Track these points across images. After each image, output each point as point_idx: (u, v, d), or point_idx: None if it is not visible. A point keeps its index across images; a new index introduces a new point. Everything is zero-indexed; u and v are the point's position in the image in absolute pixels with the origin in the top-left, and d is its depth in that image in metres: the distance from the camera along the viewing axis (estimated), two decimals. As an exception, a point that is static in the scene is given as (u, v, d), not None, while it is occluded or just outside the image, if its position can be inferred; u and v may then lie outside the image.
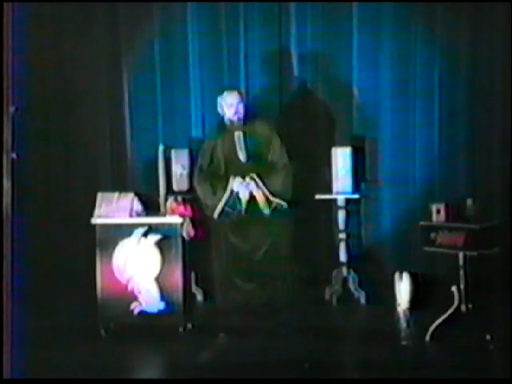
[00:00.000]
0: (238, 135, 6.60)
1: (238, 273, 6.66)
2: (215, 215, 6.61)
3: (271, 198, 6.52)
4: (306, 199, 6.94)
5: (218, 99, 6.77)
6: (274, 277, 6.63)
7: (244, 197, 6.56)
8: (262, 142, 6.69)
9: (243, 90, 7.00)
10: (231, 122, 6.75)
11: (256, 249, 6.64)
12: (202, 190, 6.69)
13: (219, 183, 6.62)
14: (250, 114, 6.72)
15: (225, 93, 6.74)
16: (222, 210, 6.59)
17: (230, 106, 6.65)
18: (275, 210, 6.57)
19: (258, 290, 6.60)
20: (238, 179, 6.56)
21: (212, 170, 6.76)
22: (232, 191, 6.55)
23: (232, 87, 6.92)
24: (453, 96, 7.24)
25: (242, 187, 6.55)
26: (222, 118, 6.88)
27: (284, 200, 6.54)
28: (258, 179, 6.53)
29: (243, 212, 6.57)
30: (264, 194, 6.51)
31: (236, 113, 6.63)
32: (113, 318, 6.11)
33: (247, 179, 6.54)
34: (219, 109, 6.79)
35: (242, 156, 6.68)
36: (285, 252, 6.66)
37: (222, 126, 6.89)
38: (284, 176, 6.61)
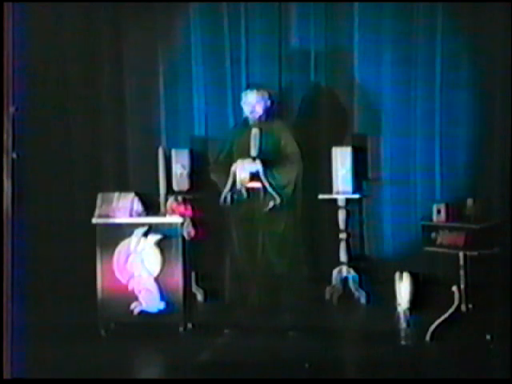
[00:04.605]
0: (255, 132, 6.54)
1: (244, 270, 6.64)
2: (220, 201, 6.56)
3: (268, 187, 6.43)
4: (307, 199, 6.94)
5: (242, 95, 6.68)
6: (279, 275, 6.61)
7: (243, 179, 6.47)
8: (276, 141, 6.63)
9: (267, 90, 6.81)
10: (250, 118, 6.67)
11: (260, 246, 6.62)
12: (216, 177, 6.66)
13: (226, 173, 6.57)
14: (271, 113, 6.62)
15: (247, 90, 6.65)
16: (227, 196, 6.54)
17: (247, 104, 6.58)
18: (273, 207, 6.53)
19: (264, 287, 6.58)
20: (240, 160, 6.50)
21: (224, 161, 6.69)
22: (234, 175, 6.49)
23: (256, 85, 6.81)
24: (454, 96, 7.23)
25: (241, 167, 6.47)
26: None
27: (284, 194, 6.46)
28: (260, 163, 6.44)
29: (245, 196, 6.49)
30: (264, 181, 6.42)
31: (252, 112, 6.54)
32: (113, 318, 6.12)
33: (250, 160, 6.45)
34: (242, 104, 6.71)
35: (253, 152, 6.63)
36: (289, 250, 6.63)
37: (245, 121, 6.80)
38: (288, 170, 6.54)
